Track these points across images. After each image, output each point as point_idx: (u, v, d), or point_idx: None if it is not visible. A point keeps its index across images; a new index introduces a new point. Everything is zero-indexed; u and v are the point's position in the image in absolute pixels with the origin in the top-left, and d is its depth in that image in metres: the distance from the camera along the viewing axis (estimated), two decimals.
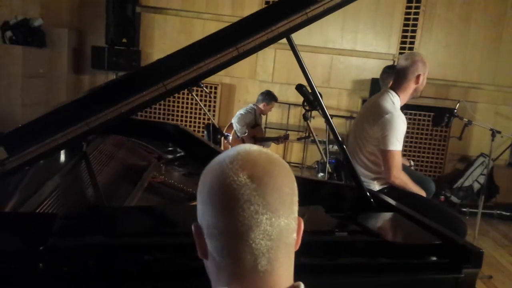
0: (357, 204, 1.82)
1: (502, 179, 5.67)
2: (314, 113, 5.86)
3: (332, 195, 1.94)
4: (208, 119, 5.74)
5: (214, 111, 5.82)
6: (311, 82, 1.75)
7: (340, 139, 1.79)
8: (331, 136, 1.87)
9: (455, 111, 3.51)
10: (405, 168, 3.11)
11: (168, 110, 5.76)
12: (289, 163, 6.21)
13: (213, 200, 0.73)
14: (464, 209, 5.22)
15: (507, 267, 3.96)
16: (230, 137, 4.28)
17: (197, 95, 5.31)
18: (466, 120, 3.50)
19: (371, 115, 2.63)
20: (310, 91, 1.84)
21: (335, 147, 3.07)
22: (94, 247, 1.22)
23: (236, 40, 1.54)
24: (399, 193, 2.53)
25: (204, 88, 2.72)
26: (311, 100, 1.85)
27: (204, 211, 0.75)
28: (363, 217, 1.69)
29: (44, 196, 1.69)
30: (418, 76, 2.65)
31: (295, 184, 0.78)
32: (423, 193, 2.65)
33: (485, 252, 4.19)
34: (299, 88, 1.92)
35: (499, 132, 3.50)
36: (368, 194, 1.80)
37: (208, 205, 0.74)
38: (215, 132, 3.52)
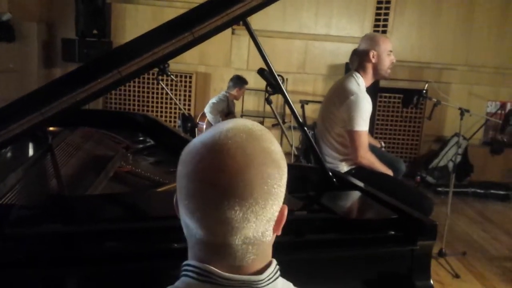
0: (321, 185, 1.85)
1: (476, 158, 5.78)
2: (290, 99, 5.91)
3: (296, 177, 1.96)
4: (185, 109, 5.73)
5: (189, 100, 5.80)
6: (270, 66, 1.77)
7: (300, 121, 1.81)
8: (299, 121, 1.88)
9: (424, 91, 3.55)
10: (376, 150, 3.16)
11: (143, 101, 5.72)
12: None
13: (190, 196, 0.72)
14: (439, 189, 5.32)
15: (481, 243, 4.05)
16: (204, 126, 4.27)
17: (171, 84, 5.28)
18: (435, 100, 3.55)
19: (337, 97, 2.66)
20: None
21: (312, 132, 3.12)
22: (49, 235, 1.22)
23: (191, 25, 1.55)
24: (366, 173, 2.57)
25: (172, 76, 2.71)
26: (273, 84, 1.86)
27: (180, 196, 0.74)
28: (324, 196, 1.73)
29: (6, 189, 1.68)
30: (371, 55, 2.67)
31: (277, 180, 0.74)
32: (390, 173, 2.70)
33: (460, 229, 4.30)
34: (261, 72, 1.92)
35: (467, 111, 3.56)
36: (330, 174, 1.83)
37: (185, 196, 0.72)
38: (187, 121, 3.51)
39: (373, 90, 5.85)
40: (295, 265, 1.37)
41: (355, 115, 2.54)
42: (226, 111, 4.61)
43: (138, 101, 5.73)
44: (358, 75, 2.69)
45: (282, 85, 1.84)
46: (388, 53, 2.66)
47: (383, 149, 3.42)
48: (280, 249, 1.38)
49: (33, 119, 1.44)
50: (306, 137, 1.81)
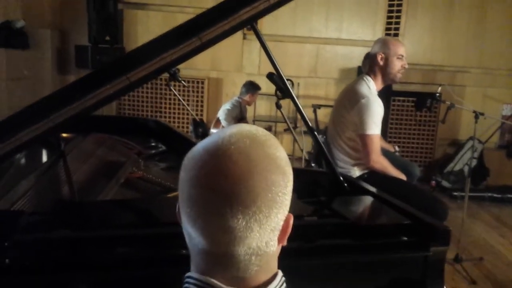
0: (332, 189, 1.83)
1: (492, 162, 5.69)
2: (301, 103, 5.89)
3: (307, 182, 1.95)
4: (196, 114, 5.74)
5: (202, 106, 5.81)
6: (279, 70, 1.76)
7: (310, 125, 1.79)
8: (311, 127, 1.87)
9: (437, 94, 3.51)
10: (389, 154, 3.13)
11: (156, 106, 5.75)
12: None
13: (192, 203, 0.70)
14: (455, 193, 5.25)
15: (498, 248, 3.98)
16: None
17: (183, 90, 5.30)
18: (449, 103, 3.50)
19: (348, 101, 2.64)
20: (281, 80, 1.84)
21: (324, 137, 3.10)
22: (57, 241, 1.22)
23: (198, 30, 1.54)
24: (379, 178, 2.54)
25: (183, 82, 2.71)
26: (282, 88, 1.85)
27: (182, 203, 0.72)
28: (335, 201, 1.71)
29: (17, 196, 1.69)
30: (378, 57, 2.64)
31: (282, 187, 0.73)
32: (403, 177, 2.66)
33: (476, 234, 4.23)
34: (270, 76, 1.92)
35: (482, 114, 3.50)
36: (341, 178, 1.80)
37: (188, 205, 0.70)
38: (198, 127, 3.50)
39: (386, 94, 5.81)
40: (306, 270, 1.36)
41: (367, 119, 2.52)
42: (239, 117, 4.61)
43: (151, 106, 5.77)
44: (369, 78, 2.66)
45: (291, 89, 1.83)
46: (398, 56, 2.63)
47: (397, 153, 3.39)
48: (290, 254, 1.37)
49: (42, 126, 1.45)
50: (316, 142, 1.80)
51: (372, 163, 2.58)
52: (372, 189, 1.79)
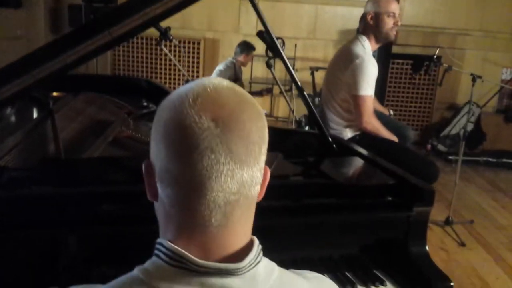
0: (320, 150, 1.82)
1: (489, 126, 5.67)
2: (299, 65, 5.81)
3: (296, 142, 1.94)
4: (191, 76, 5.68)
5: (198, 67, 5.75)
6: (268, 28, 1.72)
7: (300, 85, 1.77)
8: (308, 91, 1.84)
9: (435, 57, 3.45)
10: (384, 116, 3.10)
11: (151, 67, 5.69)
12: (276, 117, 6.19)
13: (168, 141, 0.63)
14: (450, 157, 5.26)
15: (490, 211, 4.02)
16: None
17: (179, 51, 5.23)
18: (446, 65, 3.45)
19: (342, 61, 2.60)
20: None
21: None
22: (39, 197, 1.22)
23: None
24: (371, 139, 2.53)
25: (175, 41, 2.66)
26: (274, 46, 1.81)
27: (157, 151, 0.65)
28: (323, 162, 1.70)
29: (3, 153, 1.68)
30: (369, 17, 2.60)
31: (266, 131, 0.68)
32: (395, 139, 2.65)
33: (469, 198, 4.25)
34: (260, 34, 1.87)
35: (479, 77, 3.46)
36: (330, 140, 1.79)
37: (163, 146, 0.64)
38: None
39: (385, 56, 5.74)
40: (291, 230, 1.37)
41: (360, 79, 2.48)
42: (233, 78, 4.55)
43: (146, 67, 5.70)
44: (364, 38, 2.61)
45: (281, 48, 1.79)
46: (389, 14, 2.56)
47: (391, 116, 3.36)
48: (276, 214, 1.38)
49: (24, 82, 1.42)
50: (305, 102, 1.77)
51: (364, 124, 2.56)
52: (361, 150, 1.79)
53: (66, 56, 1.43)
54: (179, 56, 5.31)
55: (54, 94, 2.68)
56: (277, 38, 1.85)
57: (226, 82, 0.68)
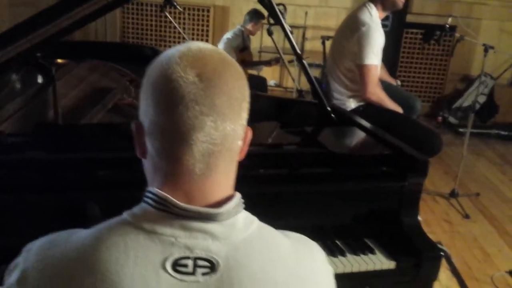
0: (319, 120, 1.81)
1: (503, 98, 5.56)
2: (310, 34, 5.71)
3: (295, 112, 1.93)
4: None
5: (207, 35, 5.69)
6: None
7: (298, 52, 1.74)
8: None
9: (447, 26, 3.37)
10: (391, 87, 3.06)
11: (160, 35, 5.65)
12: (285, 88, 6.14)
13: (157, 96, 0.68)
14: (461, 130, 5.18)
15: (497, 184, 3.98)
16: None
17: (188, 18, 5.17)
18: (458, 35, 3.37)
19: (348, 29, 2.55)
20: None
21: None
22: (34, 162, 1.24)
23: None
24: (375, 110, 2.51)
25: (179, 8, 2.62)
26: (276, 12, 1.78)
27: (146, 107, 0.69)
28: (321, 132, 1.70)
29: (2, 118, 1.70)
30: None
31: (247, 90, 0.73)
32: (399, 110, 2.62)
33: (477, 171, 4.21)
34: (261, 0, 1.84)
35: (492, 48, 3.37)
36: (329, 109, 1.78)
37: (152, 101, 0.68)
38: None
39: (399, 26, 5.62)
40: (284, 198, 1.38)
41: (366, 48, 2.44)
42: (241, 47, 4.48)
43: (155, 35, 5.66)
44: (372, 5, 2.55)
45: (281, 14, 1.76)
46: None
47: (399, 86, 3.32)
48: (270, 181, 1.38)
49: (19, 47, 1.43)
50: (304, 71, 1.75)
51: (369, 95, 2.53)
52: (360, 120, 1.77)
53: (61, 21, 1.42)
54: (185, 24, 5.26)
55: (59, 61, 2.69)
56: (278, 4, 1.81)
57: (210, 45, 0.73)
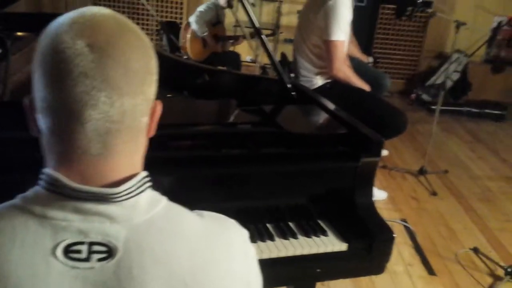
0: (279, 98, 1.77)
1: (476, 76, 5.59)
2: (286, 9, 5.61)
3: (255, 89, 1.88)
4: (174, 19, 5.50)
5: (181, 8, 5.55)
6: None
7: (256, 25, 1.68)
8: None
9: (419, 1, 3.33)
10: (361, 64, 3.03)
11: (132, 7, 5.49)
12: (262, 64, 6.06)
13: (44, 69, 0.61)
14: (433, 107, 5.19)
15: (466, 162, 4.02)
16: (188, 37, 4.06)
17: None
18: (430, 11, 3.33)
19: (315, 3, 2.48)
20: None
21: None
22: None
23: None
24: (341, 87, 2.48)
25: None
26: None
27: (36, 81, 0.63)
28: (279, 110, 1.65)
29: None
30: None
31: (152, 62, 0.67)
32: (366, 88, 2.59)
33: (447, 148, 4.24)
34: None
35: (464, 24, 3.34)
36: (289, 86, 1.74)
37: (39, 75, 0.62)
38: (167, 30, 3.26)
39: (374, 1, 5.56)
40: (238, 178, 1.34)
41: (332, 23, 2.38)
42: (215, 21, 4.36)
43: (128, 7, 5.50)
44: None
45: None
46: None
47: (370, 64, 3.28)
48: (222, 161, 1.34)
49: None
50: (263, 46, 1.70)
51: (335, 72, 2.49)
52: (320, 98, 1.73)
53: None
54: None
55: (18, 34, 2.58)
56: None
57: (107, 10, 0.66)
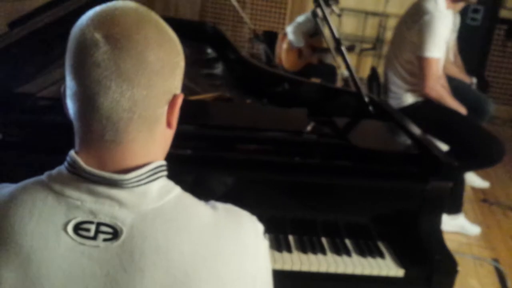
0: (355, 111, 1.71)
1: None
2: (389, 23, 5.43)
3: (335, 101, 1.84)
4: (276, 29, 5.58)
5: (284, 18, 5.62)
6: None
7: (339, 39, 1.65)
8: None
9: None
10: (463, 86, 2.85)
11: (237, 16, 5.67)
12: (361, 78, 5.91)
13: (69, 58, 0.67)
14: None
15: None
16: (284, 46, 4.07)
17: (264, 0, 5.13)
18: None
19: (410, 17, 2.37)
20: None
21: None
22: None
23: None
24: (433, 107, 2.33)
25: None
26: None
27: (65, 69, 0.69)
28: (351, 123, 1.60)
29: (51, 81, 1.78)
30: None
31: (173, 55, 0.68)
32: (463, 110, 2.40)
33: None
34: None
35: None
36: (366, 100, 1.68)
37: (66, 63, 0.67)
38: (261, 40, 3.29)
39: (490, 21, 5.16)
40: (299, 187, 1.31)
41: (427, 39, 2.25)
42: (312, 32, 4.33)
43: (233, 16, 5.70)
44: None
45: None
46: None
47: (473, 86, 3.06)
48: (283, 170, 1.33)
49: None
50: (343, 59, 1.66)
51: (428, 90, 2.34)
52: (398, 115, 1.65)
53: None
54: (264, 6, 5.21)
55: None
56: None
57: (132, 4, 0.68)
